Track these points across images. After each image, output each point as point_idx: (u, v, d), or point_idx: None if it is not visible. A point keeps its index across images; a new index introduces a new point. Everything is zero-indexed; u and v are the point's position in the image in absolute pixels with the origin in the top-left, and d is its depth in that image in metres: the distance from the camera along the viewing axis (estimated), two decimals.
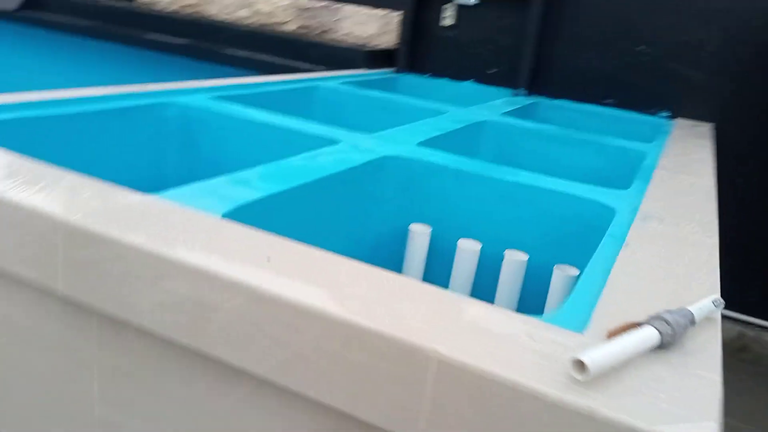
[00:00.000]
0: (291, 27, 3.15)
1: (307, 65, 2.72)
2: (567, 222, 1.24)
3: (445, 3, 2.80)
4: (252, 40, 2.87)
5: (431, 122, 1.78)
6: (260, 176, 1.05)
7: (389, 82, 2.72)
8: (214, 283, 0.65)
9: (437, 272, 1.37)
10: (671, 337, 0.61)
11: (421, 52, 2.87)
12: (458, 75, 2.84)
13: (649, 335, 0.60)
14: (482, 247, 1.29)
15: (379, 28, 2.96)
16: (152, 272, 0.68)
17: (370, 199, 1.31)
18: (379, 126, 1.69)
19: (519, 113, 2.34)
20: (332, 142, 1.41)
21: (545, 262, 1.25)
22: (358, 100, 2.17)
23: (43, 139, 1.34)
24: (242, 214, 0.89)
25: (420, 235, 1.33)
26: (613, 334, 0.62)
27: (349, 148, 1.35)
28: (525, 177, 1.31)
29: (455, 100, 2.71)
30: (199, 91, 1.69)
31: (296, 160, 1.19)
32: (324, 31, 3.08)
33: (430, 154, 1.39)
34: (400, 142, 1.46)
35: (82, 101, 1.41)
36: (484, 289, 1.31)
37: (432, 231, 1.35)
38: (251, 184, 1.01)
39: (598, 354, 0.54)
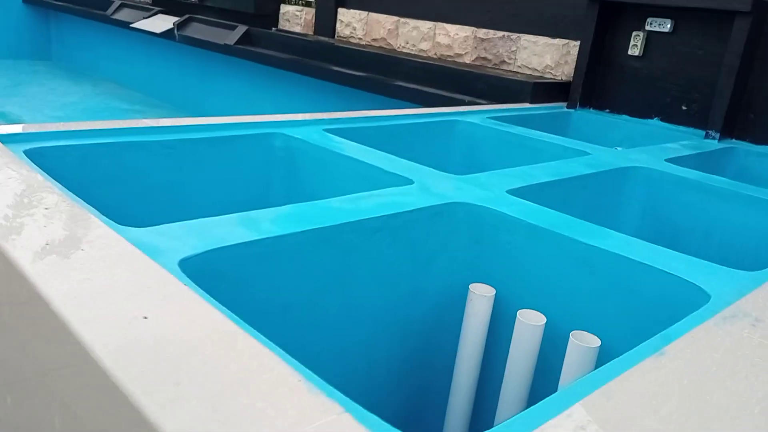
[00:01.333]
0: (468, 59, 3.07)
1: (470, 98, 2.61)
2: (649, 303, 0.97)
3: (635, 30, 2.48)
4: (422, 72, 2.85)
5: (554, 165, 1.56)
6: (272, 217, 0.99)
7: (554, 118, 2.48)
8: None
9: (500, 342, 1.18)
10: None
11: (599, 85, 2.58)
12: (640, 112, 2.49)
13: None
14: (547, 322, 1.07)
15: (557, 58, 2.74)
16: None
17: (425, 250, 1.17)
18: (505, 165, 1.53)
19: (697, 160, 1.96)
20: (407, 182, 1.30)
21: (618, 349, 0.99)
22: (496, 136, 2.00)
23: (171, 160, 1.44)
24: (208, 261, 0.84)
25: (480, 297, 1.15)
26: None
27: (417, 190, 1.23)
28: (612, 241, 1.06)
29: (628, 140, 2.38)
30: (310, 123, 1.70)
31: (335, 202, 1.10)
32: (501, 63, 2.94)
33: (512, 203, 1.20)
34: (486, 187, 1.29)
35: (205, 128, 1.49)
36: (547, 370, 1.09)
37: (496, 294, 1.16)
38: (256, 226, 0.95)
39: None
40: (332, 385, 1.09)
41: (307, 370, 0.60)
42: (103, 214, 0.91)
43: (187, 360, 0.57)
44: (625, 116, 2.53)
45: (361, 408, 0.54)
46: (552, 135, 1.96)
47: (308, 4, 4.00)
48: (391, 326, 1.18)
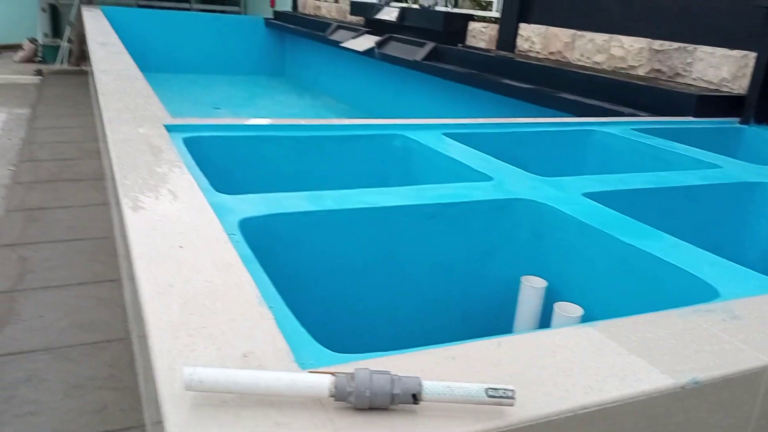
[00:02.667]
0: (642, 71, 2.96)
1: (630, 110, 2.54)
2: (671, 300, 0.97)
3: None
4: (587, 84, 2.83)
5: (661, 175, 1.53)
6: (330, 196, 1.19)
7: (720, 133, 2.32)
8: None
9: None
10: (345, 392, 0.54)
11: None
12: None
13: (317, 381, 0.55)
14: (585, 314, 1.11)
15: (735, 71, 2.53)
16: None
17: (485, 239, 1.27)
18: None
19: None
20: (486, 178, 1.40)
21: None
22: (631, 147, 1.97)
23: (300, 153, 1.73)
24: (260, 224, 1.05)
25: (530, 288, 1.22)
26: (312, 371, 0.58)
27: (489, 186, 1.33)
28: (656, 243, 1.07)
29: None
30: (432, 126, 1.86)
31: (403, 190, 1.26)
32: (675, 75, 2.80)
33: (578, 203, 1.25)
34: (563, 189, 1.34)
35: (334, 128, 1.75)
36: None
37: (549, 286, 1.22)
38: (318, 201, 1.15)
39: (206, 371, 0.54)
40: (384, 347, 1.25)
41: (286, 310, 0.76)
42: (220, 190, 1.17)
43: (189, 272, 0.78)
44: None
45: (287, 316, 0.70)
46: (688, 147, 1.87)
47: (495, 21, 4.14)
48: (449, 303, 1.29)
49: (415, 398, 0.54)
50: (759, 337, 0.73)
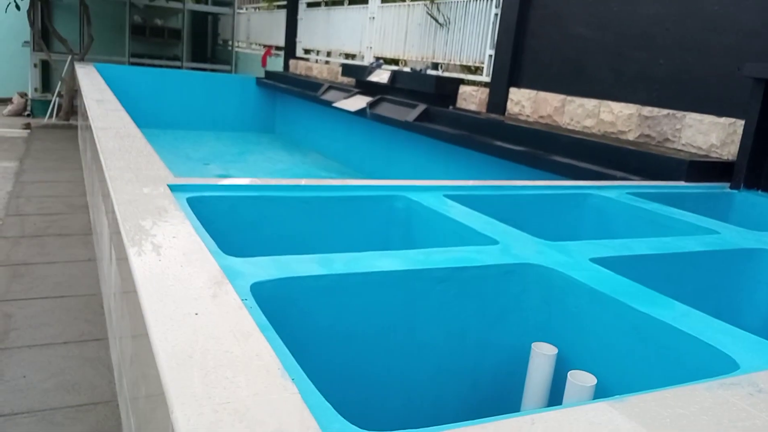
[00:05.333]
0: (632, 136, 3.03)
1: (622, 174, 2.59)
2: (688, 370, 0.96)
3: None
4: (578, 148, 2.89)
5: (664, 240, 1.54)
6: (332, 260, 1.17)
7: (711, 198, 2.36)
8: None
9: (561, 399, 1.20)
10: None
11: None
12: None
13: None
14: (598, 384, 1.09)
15: (723, 137, 2.60)
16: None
17: (494, 305, 1.26)
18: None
19: None
20: (492, 242, 1.40)
21: None
22: (627, 211, 1.99)
23: (304, 213, 1.72)
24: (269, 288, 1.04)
25: (541, 356, 1.20)
26: None
27: (496, 250, 1.33)
28: (667, 311, 1.06)
29: None
30: (433, 188, 1.87)
31: (412, 253, 1.25)
32: (664, 140, 2.87)
33: (586, 269, 1.25)
34: (570, 254, 1.35)
35: (338, 188, 1.75)
36: None
37: (559, 353, 1.20)
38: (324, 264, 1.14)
39: None
40: (397, 418, 1.22)
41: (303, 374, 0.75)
42: (225, 251, 1.16)
43: (207, 341, 0.76)
44: None
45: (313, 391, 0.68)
46: (683, 212, 1.90)
47: (485, 85, 4.25)
48: (460, 373, 1.27)
49: None
50: None
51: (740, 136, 2.51)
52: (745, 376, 0.82)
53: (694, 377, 0.95)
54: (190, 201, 1.48)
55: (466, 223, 1.54)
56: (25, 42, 8.38)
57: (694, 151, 2.74)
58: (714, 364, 0.91)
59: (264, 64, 8.41)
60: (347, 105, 5.09)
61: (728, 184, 2.47)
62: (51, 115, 7.74)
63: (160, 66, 8.57)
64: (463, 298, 1.23)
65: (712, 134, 2.66)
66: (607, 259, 1.34)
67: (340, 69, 6.37)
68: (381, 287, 1.15)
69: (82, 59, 7.68)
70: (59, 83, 7.76)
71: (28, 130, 7.08)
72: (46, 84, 8.51)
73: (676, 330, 1.00)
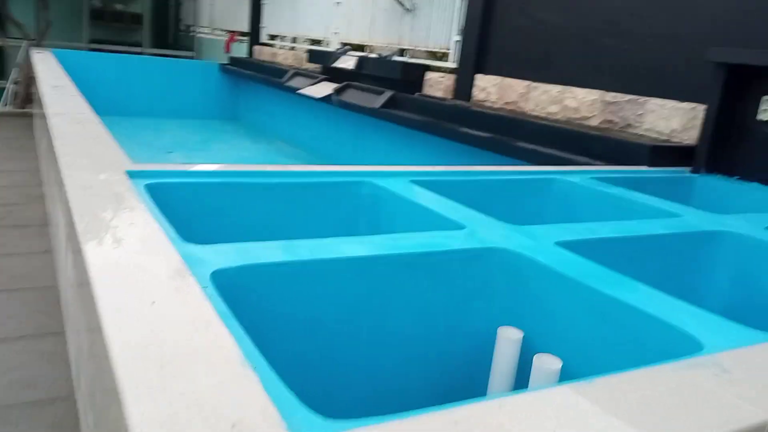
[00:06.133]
0: (595, 122, 3.06)
1: (586, 159, 2.61)
2: (654, 352, 0.97)
3: (765, 95, 2.35)
4: (543, 134, 2.90)
5: (627, 224, 1.55)
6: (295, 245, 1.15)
7: (673, 182, 2.39)
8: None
9: (527, 382, 1.20)
10: None
11: (728, 150, 2.45)
12: None
13: None
14: (564, 366, 1.09)
15: (684, 122, 2.64)
16: None
17: (460, 290, 1.25)
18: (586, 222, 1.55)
19: None
20: (458, 227, 1.39)
21: None
22: (592, 195, 2.00)
23: (267, 201, 1.68)
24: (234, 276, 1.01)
25: (507, 340, 1.20)
26: None
27: (462, 235, 1.32)
28: (632, 293, 1.07)
29: (756, 208, 2.24)
30: (400, 174, 1.85)
31: (377, 239, 1.23)
32: (627, 126, 2.90)
33: (552, 253, 1.25)
34: (535, 238, 1.34)
35: (302, 174, 1.72)
36: None
37: (525, 337, 1.20)
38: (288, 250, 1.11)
39: None
40: (363, 406, 1.20)
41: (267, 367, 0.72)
42: (186, 239, 1.12)
43: (165, 330, 0.73)
44: (756, 183, 2.36)
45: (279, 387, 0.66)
46: (646, 196, 1.92)
47: (451, 71, 4.24)
48: (427, 359, 1.26)
49: None
50: (754, 392, 0.73)
51: (701, 121, 2.55)
52: (709, 357, 0.83)
53: (659, 359, 0.95)
54: (148, 188, 1.43)
55: (432, 208, 1.53)
56: None
57: (655, 135, 2.78)
58: (679, 346, 0.92)
59: (227, 50, 8.26)
60: (313, 91, 5.03)
61: (689, 169, 2.51)
62: (6, 104, 7.48)
63: (121, 52, 8.35)
64: (430, 283, 1.21)
65: (673, 119, 2.70)
66: (572, 243, 1.34)
67: (305, 55, 6.29)
68: (347, 273, 1.13)
69: (39, 45, 7.43)
70: (14, 69, 7.50)
71: None
72: (2, 71, 8.23)
73: (640, 312, 1.01)
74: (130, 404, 0.58)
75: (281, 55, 7.15)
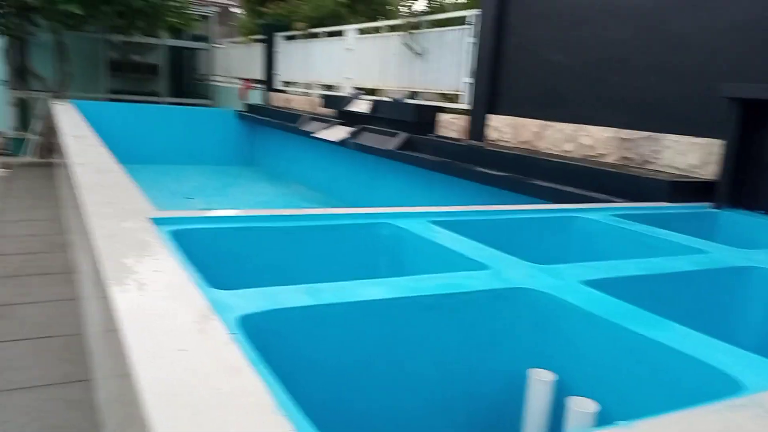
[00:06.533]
0: (611, 159, 3.06)
1: (605, 196, 2.60)
2: (692, 393, 0.94)
3: None
4: (559, 172, 2.90)
5: (653, 261, 1.53)
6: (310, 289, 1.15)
7: (695, 218, 2.37)
8: None
9: (562, 426, 1.17)
10: None
11: (748, 184, 2.43)
12: None
13: None
14: (601, 410, 1.07)
15: (702, 157, 2.63)
16: None
17: (485, 331, 1.23)
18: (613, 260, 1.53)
19: None
20: (481, 267, 1.38)
21: None
22: (614, 233, 1.99)
23: (288, 243, 1.69)
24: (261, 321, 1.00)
25: (539, 383, 1.17)
26: None
27: (486, 275, 1.31)
28: (667, 333, 1.05)
29: None
30: (419, 215, 1.85)
31: (401, 281, 1.23)
32: (644, 162, 2.89)
33: (579, 292, 1.23)
34: (561, 277, 1.33)
35: (321, 217, 1.72)
36: None
37: (558, 379, 1.18)
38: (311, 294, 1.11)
39: None
40: None
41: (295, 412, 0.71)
42: (211, 284, 1.12)
43: (195, 378, 0.72)
44: None
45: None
46: (670, 232, 1.90)
47: (464, 112, 4.28)
48: (453, 402, 1.24)
49: None
50: None
51: (719, 156, 2.54)
52: (751, 397, 0.80)
53: (697, 400, 0.93)
54: (173, 234, 1.44)
55: (453, 248, 1.52)
56: (2, 81, 8.32)
57: (674, 171, 2.77)
58: (718, 386, 0.90)
59: (242, 97, 8.42)
60: (328, 135, 5.10)
61: (711, 204, 2.49)
62: (28, 154, 7.65)
63: (140, 101, 8.54)
64: (453, 324, 1.20)
65: (690, 155, 2.69)
66: (598, 281, 1.33)
67: (319, 100, 6.40)
68: (370, 315, 1.12)
69: (59, 96, 7.63)
70: (35, 121, 7.69)
71: (7, 170, 6.98)
72: (25, 122, 8.44)
73: (675, 351, 0.98)
74: None
75: (296, 101, 7.28)
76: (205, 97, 10.19)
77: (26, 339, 2.71)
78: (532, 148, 3.60)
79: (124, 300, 0.96)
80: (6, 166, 7.10)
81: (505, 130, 3.80)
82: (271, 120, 6.77)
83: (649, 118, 2.95)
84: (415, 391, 1.19)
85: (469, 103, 4.23)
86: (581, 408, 1.05)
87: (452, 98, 4.79)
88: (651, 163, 2.87)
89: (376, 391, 1.15)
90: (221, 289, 1.09)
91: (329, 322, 1.08)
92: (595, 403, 1.07)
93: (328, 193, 6.03)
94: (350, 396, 1.13)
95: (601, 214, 2.14)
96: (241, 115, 7.65)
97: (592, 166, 2.82)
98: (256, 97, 8.35)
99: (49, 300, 3.16)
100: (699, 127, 2.71)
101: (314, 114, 6.09)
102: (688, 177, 2.69)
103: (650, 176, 2.58)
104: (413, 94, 5.38)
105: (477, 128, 4.05)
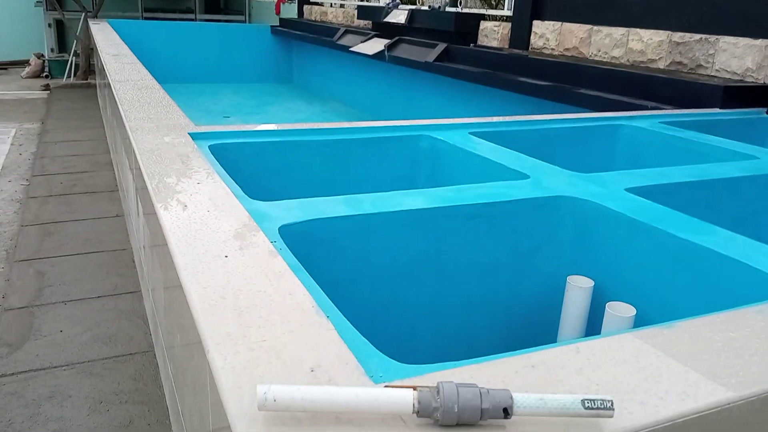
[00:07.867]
0: (662, 64, 2.91)
1: (654, 104, 2.50)
2: (736, 296, 0.93)
3: None
4: (606, 79, 2.78)
5: (702, 168, 1.48)
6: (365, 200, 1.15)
7: (748, 124, 2.26)
8: None
9: (598, 331, 1.18)
10: (430, 408, 0.50)
11: None
12: None
13: (400, 396, 0.51)
14: (638, 314, 1.06)
15: (760, 60, 2.48)
16: None
17: (526, 239, 1.22)
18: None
19: None
20: (522, 176, 1.36)
21: None
22: (662, 140, 1.92)
23: (327, 156, 1.69)
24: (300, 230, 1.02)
25: (577, 289, 1.17)
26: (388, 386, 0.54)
27: (527, 185, 1.29)
28: (711, 237, 1.02)
29: None
30: (458, 126, 1.82)
31: (440, 191, 1.22)
32: (697, 67, 2.75)
33: (622, 199, 1.20)
34: (604, 185, 1.30)
35: (358, 130, 1.70)
36: None
37: (596, 285, 1.17)
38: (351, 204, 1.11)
39: (280, 389, 0.50)
40: (430, 353, 1.20)
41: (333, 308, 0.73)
42: (251, 196, 1.14)
43: (239, 282, 0.74)
44: None
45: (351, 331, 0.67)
46: (721, 139, 1.83)
47: (506, 19, 4.10)
48: (492, 306, 1.25)
49: (507, 413, 0.50)
50: None
51: None
52: None
53: (741, 302, 0.92)
54: (212, 148, 1.45)
55: (493, 159, 1.50)
56: (38, 2, 8.31)
57: (728, 76, 2.62)
58: (763, 288, 0.88)
59: (278, 11, 8.23)
60: (364, 48, 4.98)
61: (765, 109, 2.37)
62: (69, 75, 7.73)
63: (174, 19, 8.45)
64: (494, 233, 1.20)
65: (747, 58, 2.54)
66: (643, 188, 1.29)
67: (355, 12, 6.21)
68: (410, 225, 1.12)
69: (95, 16, 7.60)
70: (74, 42, 7.72)
71: (48, 91, 7.09)
72: (62, 44, 8.48)
73: (721, 256, 0.96)
74: (212, 349, 0.59)
75: (331, 14, 7.08)
76: (240, 13, 10.01)
77: (76, 254, 2.83)
78: (579, 55, 3.45)
79: (168, 212, 0.99)
80: (46, 88, 7.21)
81: (550, 36, 3.64)
82: (307, 34, 6.63)
83: (704, 19, 2.77)
84: (457, 294, 1.21)
85: (512, 9, 4.05)
86: (619, 312, 1.05)
87: (496, 5, 4.58)
88: (704, 67, 2.72)
89: (414, 296, 1.17)
90: (262, 201, 1.10)
91: (370, 231, 1.09)
92: (632, 308, 1.07)
93: (365, 110, 5.96)
94: (389, 301, 1.15)
95: (648, 121, 2.06)
96: (276, 31, 7.51)
97: (641, 72, 2.69)
98: (291, 11, 8.16)
99: (95, 217, 3.27)
100: (758, 27, 2.54)
101: (350, 27, 5.94)
102: (742, 81, 2.55)
103: (702, 81, 2.46)
104: (453, 2, 5.17)
105: (520, 36, 3.89)
